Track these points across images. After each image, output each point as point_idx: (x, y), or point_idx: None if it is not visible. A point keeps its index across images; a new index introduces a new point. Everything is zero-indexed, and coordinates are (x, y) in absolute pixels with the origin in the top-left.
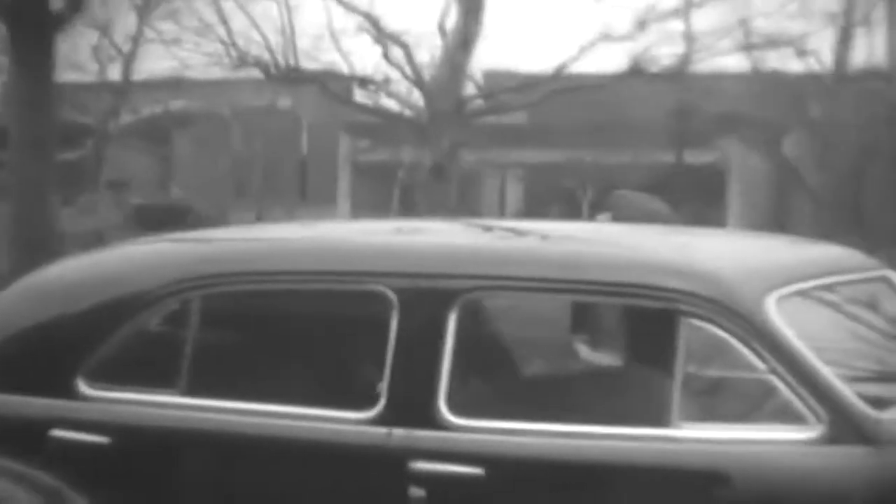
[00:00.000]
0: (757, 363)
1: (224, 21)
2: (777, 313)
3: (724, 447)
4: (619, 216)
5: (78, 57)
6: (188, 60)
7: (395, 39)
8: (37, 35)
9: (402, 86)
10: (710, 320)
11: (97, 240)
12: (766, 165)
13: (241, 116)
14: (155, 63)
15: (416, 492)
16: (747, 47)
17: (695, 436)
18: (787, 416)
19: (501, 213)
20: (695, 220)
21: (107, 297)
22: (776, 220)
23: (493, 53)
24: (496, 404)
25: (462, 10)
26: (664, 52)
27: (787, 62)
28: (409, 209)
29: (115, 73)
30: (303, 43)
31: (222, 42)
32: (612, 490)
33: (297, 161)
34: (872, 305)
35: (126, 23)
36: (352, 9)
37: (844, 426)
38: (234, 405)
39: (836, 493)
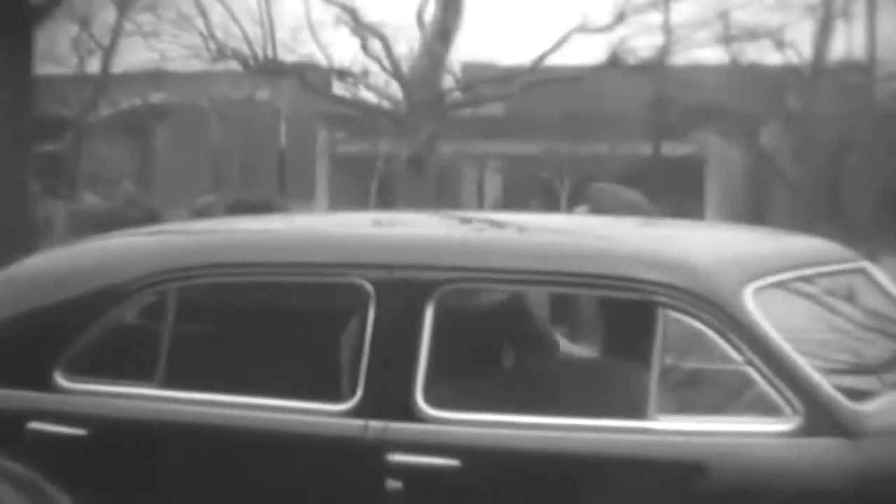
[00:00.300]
0: (734, 355)
1: (203, 13)
2: (754, 305)
3: (701, 439)
4: (598, 208)
5: (57, 50)
6: (167, 53)
7: (374, 31)
8: (17, 28)
9: (380, 78)
10: (687, 312)
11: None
12: (744, 157)
13: (220, 108)
14: (134, 56)
15: (393, 484)
16: (726, 39)
17: (671, 428)
18: (764, 407)
19: (480, 205)
20: (673, 211)
21: (84, 290)
22: (754, 211)
23: (472, 45)
24: (473, 396)
25: (440, 1)
26: (642, 43)
27: (765, 54)
28: (387, 201)
29: (94, 66)
30: (281, 35)
31: (201, 34)
32: (588, 482)
33: (275, 153)
34: (850, 297)
35: (106, 16)
36: (330, 1)
37: (821, 418)
38: (212, 397)
39: (812, 484)
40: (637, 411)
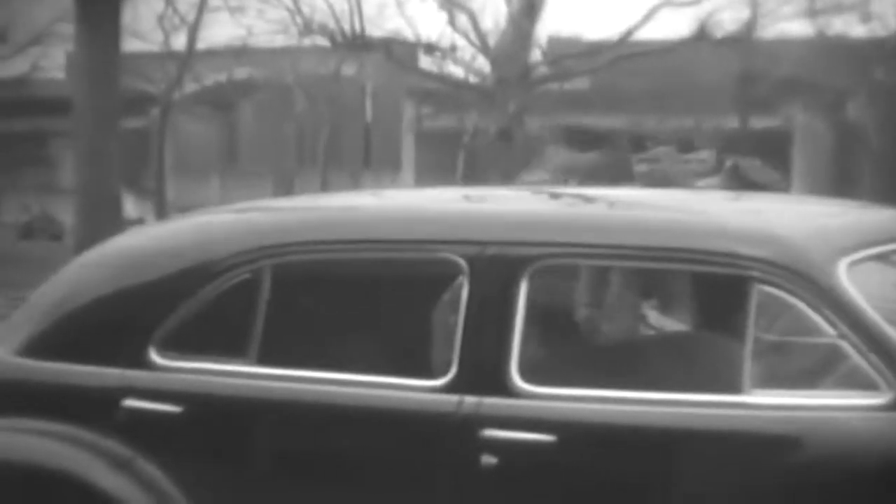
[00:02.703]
0: (828, 329)
1: None
2: (848, 279)
3: (796, 413)
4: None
5: (141, 26)
6: (253, 28)
7: (461, 5)
8: (104, 5)
9: (467, 52)
10: (781, 286)
11: None
12: (831, 130)
13: (305, 84)
14: (219, 31)
15: (488, 459)
16: (812, 12)
17: (766, 402)
18: (858, 381)
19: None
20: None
21: (178, 267)
22: (841, 184)
23: (558, 19)
24: (567, 371)
25: None
26: (729, 17)
27: (851, 27)
28: (474, 176)
29: (179, 42)
30: (368, 9)
31: (287, 9)
32: (682, 456)
33: (361, 128)
34: None
35: None
36: None
37: None
38: (306, 374)
39: None
40: (732, 386)
